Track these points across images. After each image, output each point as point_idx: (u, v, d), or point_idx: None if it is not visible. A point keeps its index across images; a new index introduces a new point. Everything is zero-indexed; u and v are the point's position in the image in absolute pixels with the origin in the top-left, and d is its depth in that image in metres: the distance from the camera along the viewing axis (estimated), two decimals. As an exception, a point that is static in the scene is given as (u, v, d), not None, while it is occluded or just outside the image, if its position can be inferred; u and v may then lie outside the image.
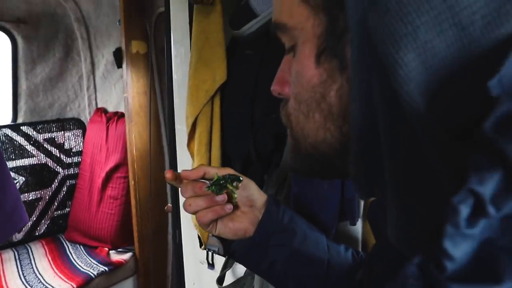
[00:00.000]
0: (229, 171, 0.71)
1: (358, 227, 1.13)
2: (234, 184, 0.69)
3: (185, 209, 0.69)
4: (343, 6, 0.35)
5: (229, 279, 1.44)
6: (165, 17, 1.48)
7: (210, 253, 1.55)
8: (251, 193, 0.74)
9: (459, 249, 0.26)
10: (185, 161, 1.58)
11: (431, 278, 0.27)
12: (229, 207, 0.69)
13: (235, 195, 0.70)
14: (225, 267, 1.39)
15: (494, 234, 0.26)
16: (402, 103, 0.31)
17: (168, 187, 2.50)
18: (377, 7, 0.31)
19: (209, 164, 1.32)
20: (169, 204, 1.73)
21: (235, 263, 1.43)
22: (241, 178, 0.70)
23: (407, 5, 0.30)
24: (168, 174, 0.69)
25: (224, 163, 1.33)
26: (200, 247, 1.57)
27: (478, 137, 0.26)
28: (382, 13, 0.31)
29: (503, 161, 0.25)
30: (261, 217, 0.73)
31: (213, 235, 1.49)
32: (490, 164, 0.25)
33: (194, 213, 0.69)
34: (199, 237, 1.57)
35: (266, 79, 1.23)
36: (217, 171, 0.70)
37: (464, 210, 0.25)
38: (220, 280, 1.38)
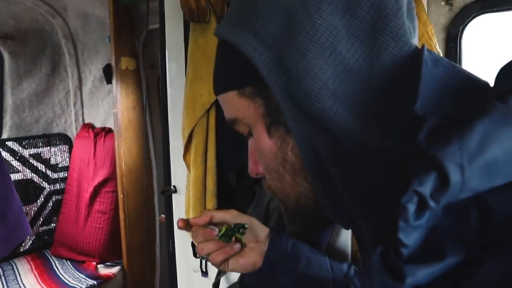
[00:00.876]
0: (232, 213, 0.78)
1: (348, 239, 1.20)
2: (241, 231, 0.76)
3: (198, 253, 0.76)
4: (268, 86, 0.44)
5: (223, 285, 1.48)
6: (160, 34, 1.55)
7: (203, 262, 1.60)
8: (254, 229, 0.80)
9: (410, 238, 0.35)
10: (178, 173, 1.63)
11: (391, 263, 0.35)
12: (237, 246, 0.75)
13: (243, 240, 0.77)
14: (220, 273, 1.44)
15: (437, 221, 0.35)
16: (327, 123, 0.41)
17: (156, 200, 2.54)
18: (292, 78, 0.42)
19: (205, 174, 1.38)
20: (162, 215, 1.77)
21: (230, 270, 1.48)
22: (246, 226, 0.76)
23: (312, 68, 0.41)
24: (180, 223, 0.76)
25: (219, 173, 1.39)
26: (194, 256, 1.62)
27: (414, 148, 0.35)
28: (297, 81, 0.42)
29: (436, 165, 0.33)
30: (267, 249, 0.79)
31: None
32: (426, 168, 0.33)
33: (206, 256, 0.76)
34: (192, 246, 1.61)
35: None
36: (222, 215, 0.77)
37: (411, 207, 0.33)
38: (216, 285, 1.42)
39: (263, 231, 0.82)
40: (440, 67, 0.41)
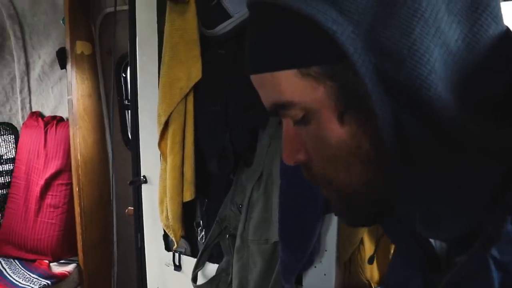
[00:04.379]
0: None
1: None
2: None
3: None
4: (348, 67, 0.39)
5: (200, 280, 1.43)
6: (129, 15, 1.45)
7: (176, 255, 1.53)
8: None
9: None
10: (148, 163, 1.55)
11: None
12: None
13: None
14: (197, 267, 1.38)
15: None
16: (435, 110, 0.37)
17: (114, 193, 2.41)
18: (390, 59, 0.37)
19: (182, 162, 1.31)
20: (129, 208, 1.67)
21: (207, 263, 1.43)
22: None
23: (418, 49, 0.37)
24: None
25: (198, 161, 1.33)
26: (166, 249, 1.55)
27: None
28: (399, 64, 0.37)
29: None
30: None
31: (181, 237, 1.48)
32: None
33: None
34: (164, 239, 1.54)
35: (239, 78, 1.26)
36: None
37: None
38: (194, 279, 1.37)
39: None
40: None
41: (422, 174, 0.42)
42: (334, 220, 1.17)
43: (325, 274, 1.22)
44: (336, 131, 0.43)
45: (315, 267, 1.22)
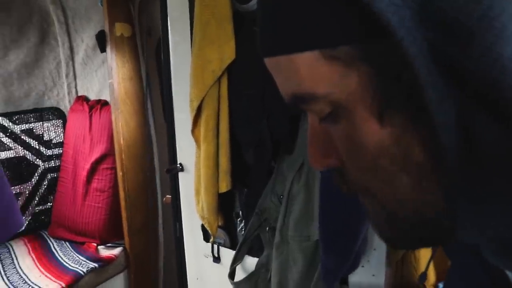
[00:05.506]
0: None
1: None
2: None
3: None
4: (390, 46, 0.27)
5: (239, 273, 1.35)
6: (161, -8, 1.36)
7: (215, 246, 1.46)
8: None
9: None
10: (184, 149, 1.47)
11: None
12: None
13: None
14: (235, 261, 1.30)
15: None
16: None
17: (158, 178, 2.39)
18: (457, 33, 0.26)
19: (217, 150, 1.22)
20: (167, 196, 1.62)
21: (246, 256, 1.34)
22: None
23: (497, 17, 0.25)
24: None
25: (234, 149, 1.23)
26: (205, 240, 1.48)
27: None
28: (469, 43, 0.26)
29: None
30: None
31: (219, 227, 1.40)
32: None
33: None
34: (202, 230, 1.48)
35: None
36: None
37: None
38: (231, 275, 1.29)
39: None
40: None
41: (496, 192, 0.30)
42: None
43: (373, 275, 1.09)
44: (375, 133, 0.32)
45: (363, 266, 1.10)
